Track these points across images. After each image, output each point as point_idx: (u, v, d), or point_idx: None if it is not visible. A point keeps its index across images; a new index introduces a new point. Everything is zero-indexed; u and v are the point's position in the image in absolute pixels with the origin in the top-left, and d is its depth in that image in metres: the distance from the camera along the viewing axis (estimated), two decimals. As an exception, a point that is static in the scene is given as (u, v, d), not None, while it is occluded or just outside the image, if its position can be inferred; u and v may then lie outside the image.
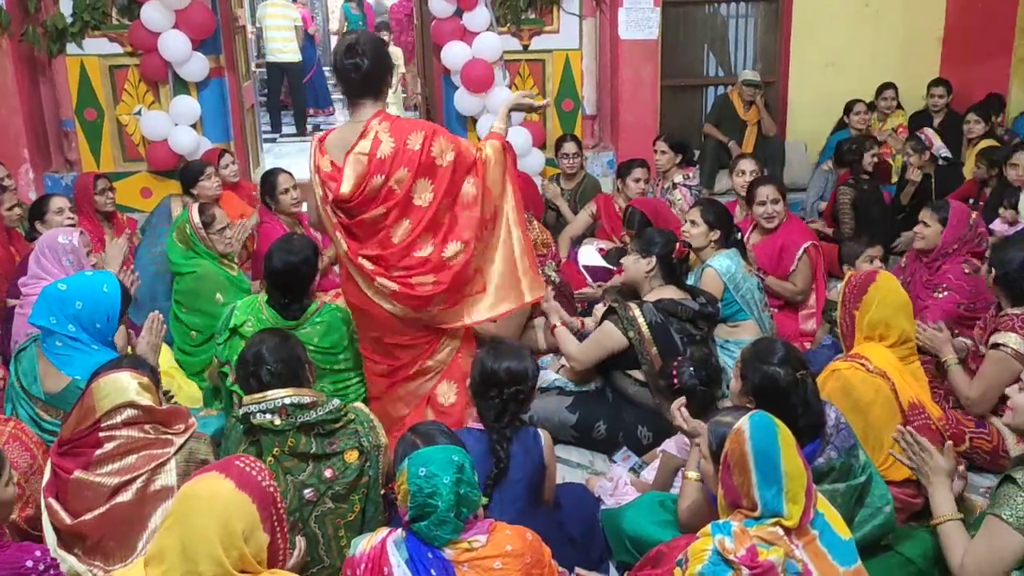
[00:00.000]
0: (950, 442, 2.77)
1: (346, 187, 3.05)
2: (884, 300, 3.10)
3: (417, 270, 3.14)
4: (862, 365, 2.98)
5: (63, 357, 3.07)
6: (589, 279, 5.05)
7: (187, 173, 5.16)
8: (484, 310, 3.29)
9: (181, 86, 6.37)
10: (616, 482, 3.35)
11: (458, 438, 2.36)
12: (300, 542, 2.46)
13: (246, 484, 1.95)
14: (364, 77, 3.08)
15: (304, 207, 5.14)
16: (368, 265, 3.14)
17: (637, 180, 5.54)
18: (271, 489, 2.02)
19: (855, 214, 5.64)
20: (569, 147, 6.07)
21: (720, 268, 4.05)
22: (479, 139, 3.39)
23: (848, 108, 6.97)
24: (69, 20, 6.24)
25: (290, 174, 5.06)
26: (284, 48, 10.07)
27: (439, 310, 3.23)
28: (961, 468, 2.83)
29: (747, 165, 5.30)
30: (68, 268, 3.63)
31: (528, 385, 2.84)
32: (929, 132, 6.40)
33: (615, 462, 3.61)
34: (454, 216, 3.16)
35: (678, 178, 5.81)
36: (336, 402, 2.74)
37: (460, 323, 3.30)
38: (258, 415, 2.62)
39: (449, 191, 3.12)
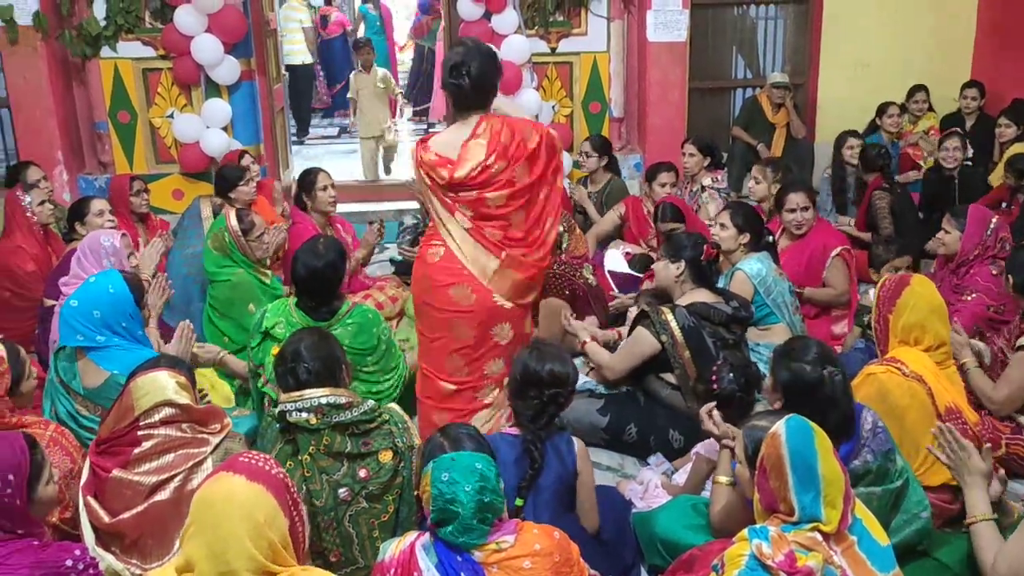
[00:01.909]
0: (988, 444, 2.74)
1: (462, 171, 3.20)
2: (918, 304, 3.08)
3: (532, 248, 3.34)
4: (898, 369, 2.96)
5: (102, 354, 3.12)
6: (612, 284, 5.04)
7: (226, 178, 5.12)
8: None
9: (213, 89, 6.43)
10: (647, 485, 3.35)
11: (487, 444, 2.34)
12: None
13: (256, 475, 1.96)
14: (464, 96, 3.25)
15: (337, 208, 5.19)
16: (496, 236, 3.28)
17: (663, 185, 5.52)
18: (281, 475, 2.03)
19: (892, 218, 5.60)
20: (585, 146, 6.10)
21: (750, 271, 4.03)
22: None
23: (880, 111, 6.92)
24: (103, 23, 6.32)
25: (328, 173, 5.11)
26: (292, 50, 9.82)
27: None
28: (1001, 472, 2.80)
29: (759, 173, 5.32)
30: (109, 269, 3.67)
31: (568, 389, 2.83)
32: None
33: (648, 464, 3.60)
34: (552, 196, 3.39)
35: (706, 181, 5.80)
36: (371, 403, 2.75)
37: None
38: (294, 413, 2.64)
39: (556, 178, 3.36)
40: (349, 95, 8.42)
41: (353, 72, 8.47)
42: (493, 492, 2.17)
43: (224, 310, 4.21)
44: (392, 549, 2.22)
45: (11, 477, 2.10)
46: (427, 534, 2.21)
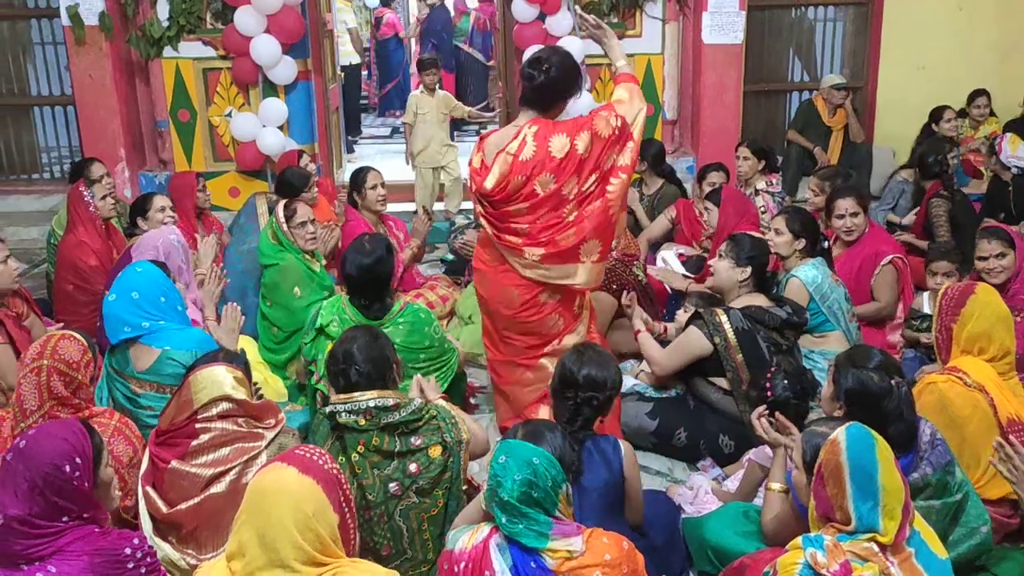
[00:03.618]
0: None
1: (489, 182, 3.28)
2: (983, 313, 3.01)
3: (558, 229, 3.29)
4: (959, 379, 2.91)
5: (151, 337, 3.19)
6: (668, 287, 5.00)
7: (294, 185, 5.07)
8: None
9: (270, 88, 6.55)
10: (696, 491, 3.32)
11: (566, 448, 2.28)
12: None
13: (308, 468, 1.99)
14: (534, 89, 3.28)
15: (388, 207, 5.24)
16: (515, 240, 3.33)
17: (712, 184, 5.47)
18: (334, 471, 2.05)
19: (950, 226, 5.47)
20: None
21: (805, 278, 3.96)
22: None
23: (936, 116, 6.77)
24: (165, 24, 6.47)
25: (379, 172, 5.16)
26: (341, 51, 9.75)
27: (593, 263, 3.36)
28: None
29: (816, 186, 5.26)
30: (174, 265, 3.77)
31: (605, 394, 2.81)
32: (1007, 139, 6.15)
33: (698, 469, 3.58)
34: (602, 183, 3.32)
35: (760, 185, 5.72)
36: (417, 402, 2.78)
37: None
38: (344, 415, 2.69)
39: (595, 170, 3.26)
40: (404, 119, 7.22)
41: (415, 93, 7.33)
42: (544, 492, 2.14)
43: (272, 296, 4.29)
44: (464, 540, 2.21)
45: (78, 460, 2.14)
46: (499, 533, 2.20)
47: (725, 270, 3.73)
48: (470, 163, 3.44)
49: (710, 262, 3.98)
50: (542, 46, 6.40)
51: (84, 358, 2.83)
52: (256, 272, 4.51)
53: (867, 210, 4.58)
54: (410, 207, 6.80)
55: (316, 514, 1.95)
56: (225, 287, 4.08)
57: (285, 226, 4.27)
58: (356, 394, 2.72)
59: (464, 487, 2.80)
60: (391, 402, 2.71)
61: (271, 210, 4.86)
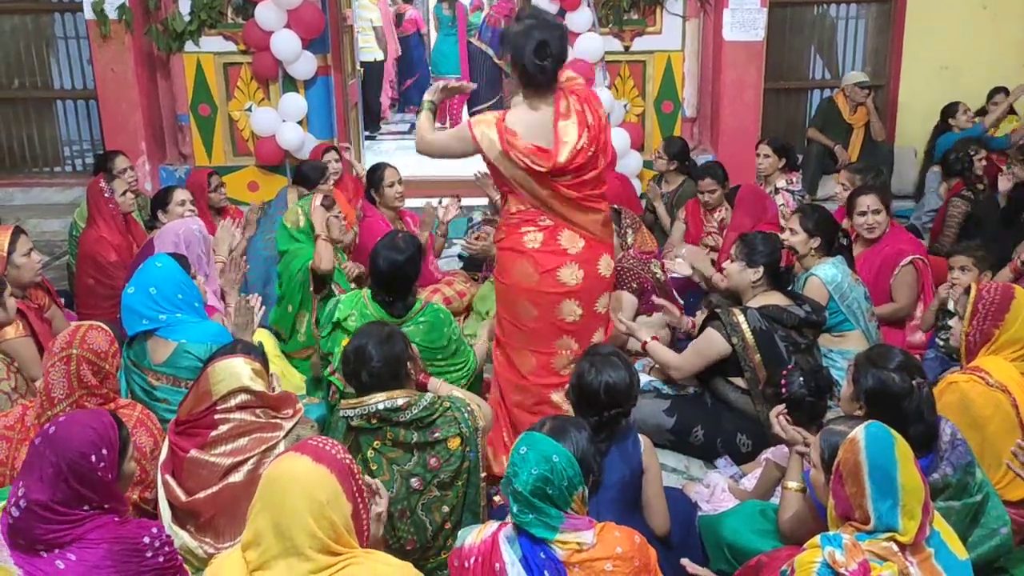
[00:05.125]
0: None
1: (563, 156, 3.20)
2: None
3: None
4: (982, 379, 2.88)
5: (167, 330, 3.23)
6: (673, 290, 4.98)
7: (311, 175, 5.16)
8: None
9: (290, 84, 6.56)
10: (713, 488, 3.31)
11: (588, 455, 2.24)
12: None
13: (321, 457, 2.00)
14: (546, 76, 3.23)
15: (406, 203, 5.25)
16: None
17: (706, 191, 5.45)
18: (347, 461, 2.06)
19: (967, 226, 5.40)
20: (662, 145, 6.10)
21: (825, 277, 3.94)
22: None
23: (949, 113, 6.71)
24: (187, 19, 6.50)
25: (396, 169, 5.15)
26: (363, 47, 9.78)
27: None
28: None
29: (847, 179, 5.22)
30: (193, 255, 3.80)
31: (628, 406, 2.78)
32: None
33: (716, 467, 3.56)
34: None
35: (780, 183, 5.71)
36: (429, 396, 2.78)
37: None
38: (355, 419, 2.71)
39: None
40: None
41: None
42: (558, 490, 2.13)
43: (284, 276, 4.33)
44: (472, 537, 2.22)
45: (104, 452, 2.17)
46: (510, 525, 2.20)
47: (737, 272, 3.71)
48: (511, 145, 3.21)
49: (723, 264, 3.96)
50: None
51: (111, 348, 2.87)
52: (278, 260, 4.55)
53: (889, 208, 4.55)
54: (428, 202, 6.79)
55: (330, 502, 1.96)
56: (245, 272, 4.10)
57: (319, 215, 4.29)
58: (365, 398, 2.72)
59: (484, 474, 2.82)
60: (401, 402, 2.71)
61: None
